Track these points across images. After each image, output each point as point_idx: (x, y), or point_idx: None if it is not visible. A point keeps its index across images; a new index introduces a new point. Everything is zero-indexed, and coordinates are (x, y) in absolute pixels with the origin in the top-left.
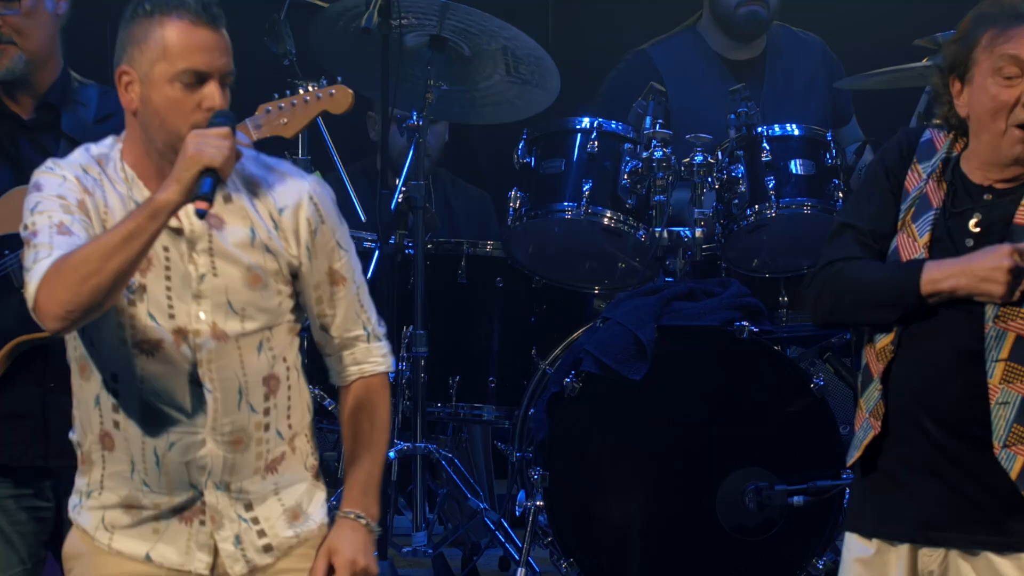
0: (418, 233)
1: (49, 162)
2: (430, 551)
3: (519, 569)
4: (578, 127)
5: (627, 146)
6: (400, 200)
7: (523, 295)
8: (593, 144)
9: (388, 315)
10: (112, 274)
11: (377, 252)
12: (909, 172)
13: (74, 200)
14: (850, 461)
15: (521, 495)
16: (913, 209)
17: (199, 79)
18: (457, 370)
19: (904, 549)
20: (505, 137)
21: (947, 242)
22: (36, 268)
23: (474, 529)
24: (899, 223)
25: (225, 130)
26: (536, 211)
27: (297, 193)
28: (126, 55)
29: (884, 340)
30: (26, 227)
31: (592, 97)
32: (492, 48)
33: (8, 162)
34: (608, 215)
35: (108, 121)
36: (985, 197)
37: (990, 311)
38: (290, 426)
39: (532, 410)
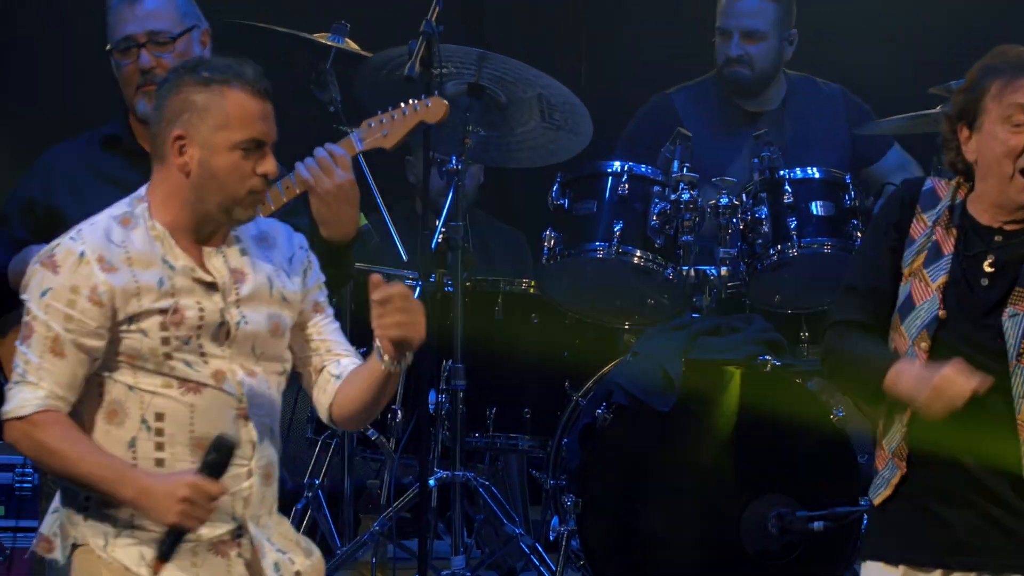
0: (457, 271)
1: (72, 232)
2: (468, 574)
3: None
4: (609, 171)
5: (656, 188)
6: (440, 240)
7: (557, 330)
8: (624, 187)
9: (428, 350)
10: (67, 478)
11: (418, 290)
12: (913, 222)
13: (85, 293)
14: (878, 499)
15: (555, 521)
16: (924, 255)
17: (257, 146)
18: (494, 402)
19: (936, 575)
20: (540, 179)
21: (963, 284)
22: (18, 399)
23: (510, 553)
24: (907, 271)
25: (213, 504)
26: (569, 250)
27: (293, 245)
28: (180, 120)
29: None
30: (27, 312)
31: (617, 138)
32: (527, 96)
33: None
34: (638, 254)
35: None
36: (996, 239)
37: (1012, 348)
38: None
39: (565, 440)
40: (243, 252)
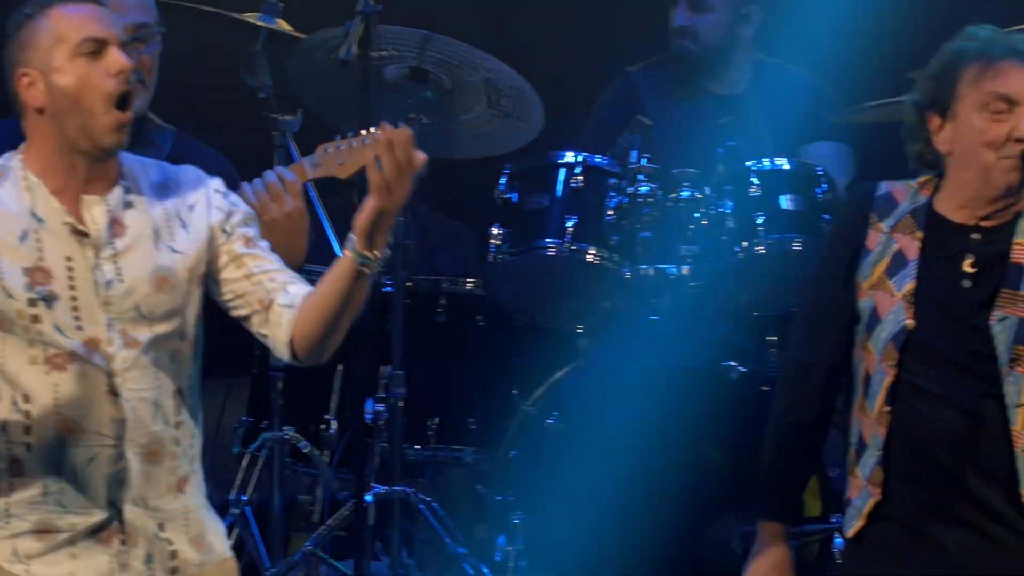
0: (396, 270)
1: None
2: None
3: None
4: (561, 161)
5: (612, 181)
6: None
7: (504, 334)
8: (577, 179)
9: (366, 355)
10: None
11: None
12: (869, 232)
13: None
14: (851, 532)
15: (501, 540)
16: (886, 263)
17: (99, 46)
18: (436, 411)
19: None
20: (486, 171)
21: (939, 288)
22: None
23: (453, 574)
24: (866, 283)
25: None
26: (518, 248)
27: (204, 188)
28: (20, 61)
29: (878, 403)
30: None
31: (582, 124)
32: (473, 80)
33: None
34: (592, 252)
35: (178, 164)
36: (973, 236)
37: (1003, 354)
38: (192, 445)
39: (513, 452)
40: (130, 202)
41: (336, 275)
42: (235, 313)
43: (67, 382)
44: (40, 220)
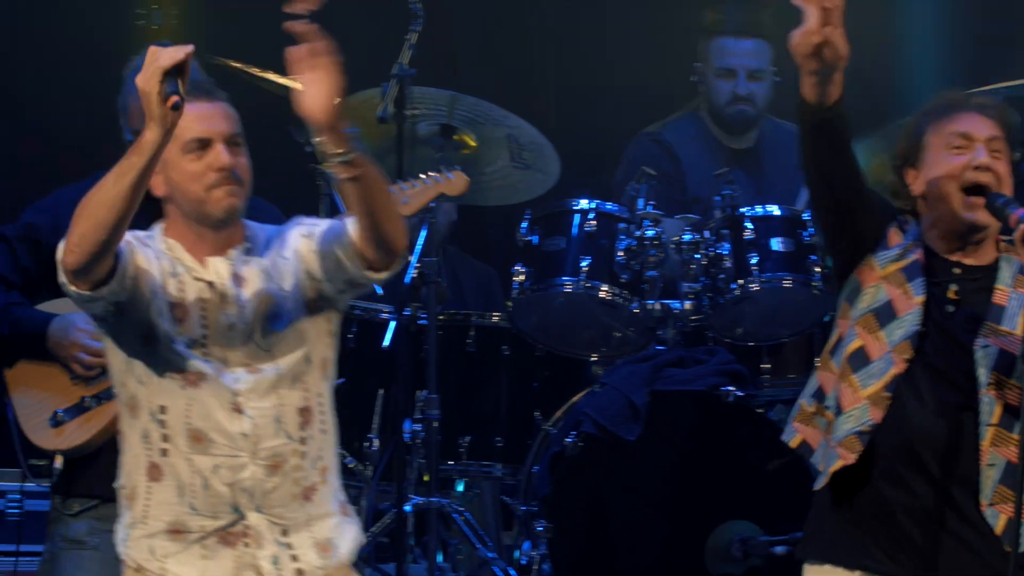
0: (430, 305)
1: None
2: None
3: None
4: (576, 208)
5: (622, 225)
6: (414, 275)
7: (527, 362)
8: (591, 223)
9: (404, 381)
10: (108, 206)
11: (393, 323)
12: (891, 230)
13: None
14: (819, 485)
15: (526, 545)
16: (903, 265)
17: (203, 145)
18: (467, 431)
19: None
20: (510, 216)
21: (933, 306)
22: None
23: None
24: (880, 272)
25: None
26: (539, 285)
27: (287, 231)
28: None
29: (877, 385)
30: None
31: (592, 173)
32: (497, 136)
33: None
34: (605, 288)
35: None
36: (954, 270)
37: (983, 377)
38: (321, 457)
39: (536, 467)
40: (248, 259)
41: (348, 198)
42: (338, 286)
43: (198, 398)
44: (180, 270)
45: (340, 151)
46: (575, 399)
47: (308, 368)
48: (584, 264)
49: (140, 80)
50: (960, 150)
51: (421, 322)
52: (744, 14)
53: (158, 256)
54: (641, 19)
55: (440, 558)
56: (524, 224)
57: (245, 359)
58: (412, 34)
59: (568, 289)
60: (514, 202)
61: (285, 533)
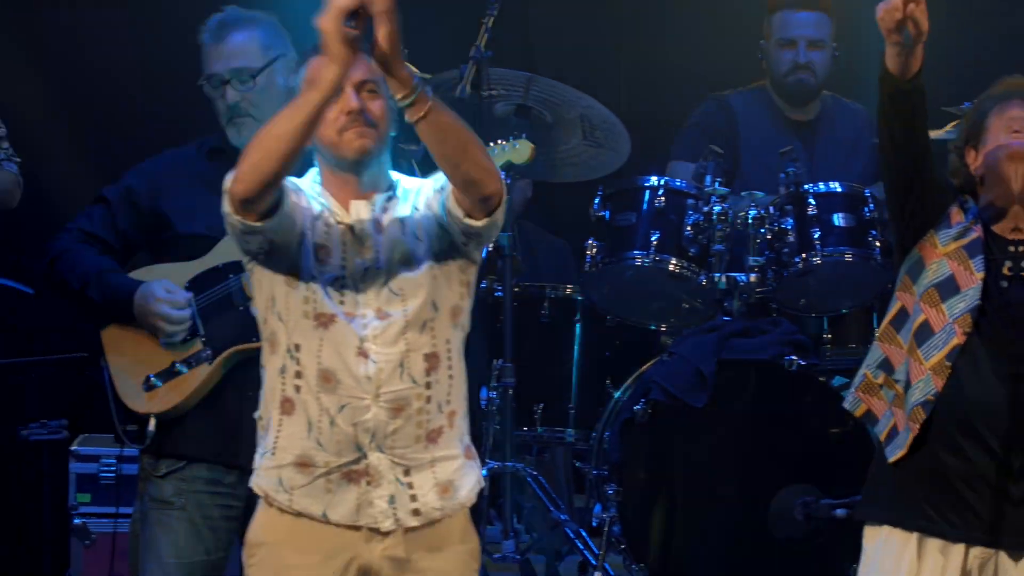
0: (506, 278)
1: None
2: (517, 557)
3: (596, 573)
4: (647, 185)
5: (690, 201)
6: (490, 249)
7: (599, 332)
8: (660, 200)
9: (481, 350)
10: (282, 139)
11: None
12: (954, 209)
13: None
14: (894, 458)
15: (597, 508)
16: (966, 243)
17: (338, 92)
18: (541, 398)
19: (956, 547)
20: (582, 193)
21: (991, 282)
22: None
23: (556, 538)
24: (942, 250)
25: None
26: (610, 258)
27: (421, 186)
28: None
29: (939, 355)
30: None
31: (662, 152)
32: (571, 116)
33: None
34: (673, 262)
35: None
36: (1009, 248)
37: None
38: (448, 402)
39: (607, 433)
40: (390, 205)
41: (420, 135)
42: (459, 236)
43: (328, 339)
44: (325, 213)
45: (405, 93)
46: (644, 368)
47: (436, 315)
48: (654, 238)
49: (321, 20)
50: (1019, 133)
51: (497, 294)
52: None
53: (309, 199)
54: (710, 1)
55: (515, 520)
56: (596, 200)
57: (377, 303)
58: (489, 17)
59: (638, 262)
60: (587, 179)
61: (407, 473)
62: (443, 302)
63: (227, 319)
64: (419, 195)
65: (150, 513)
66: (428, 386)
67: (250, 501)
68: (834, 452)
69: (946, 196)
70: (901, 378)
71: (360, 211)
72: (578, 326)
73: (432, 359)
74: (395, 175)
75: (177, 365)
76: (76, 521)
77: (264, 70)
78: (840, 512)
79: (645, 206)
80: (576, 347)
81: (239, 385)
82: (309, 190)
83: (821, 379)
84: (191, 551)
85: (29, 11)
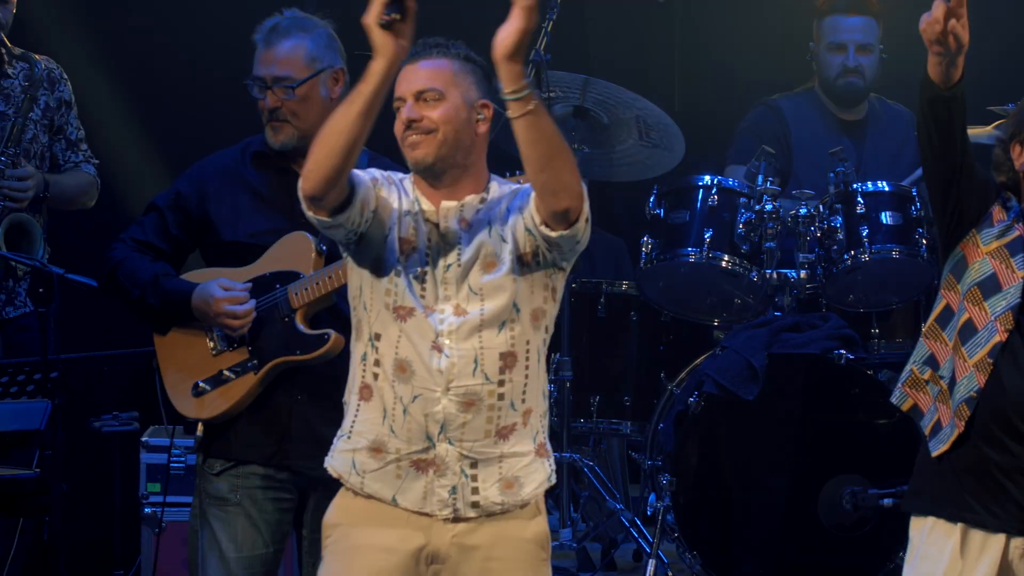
0: None
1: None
2: (574, 545)
3: (650, 560)
4: (700, 184)
5: (742, 200)
6: None
7: (653, 327)
8: (713, 198)
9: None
10: (339, 132)
11: None
12: (996, 207)
13: (380, 176)
14: (937, 452)
15: (652, 497)
16: (1008, 241)
17: (401, 104)
18: (597, 391)
19: (997, 537)
20: (638, 191)
21: None
22: None
23: (612, 526)
24: (984, 248)
25: None
26: (665, 255)
27: (516, 191)
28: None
29: (981, 352)
30: None
31: (716, 152)
32: (627, 117)
33: (285, 212)
34: (726, 259)
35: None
36: None
37: None
38: (524, 400)
39: (661, 425)
40: (479, 207)
41: (516, 132)
42: (542, 244)
43: (407, 331)
44: (415, 209)
45: (514, 88)
46: (698, 361)
47: (517, 316)
48: (707, 236)
49: (365, 16)
50: None
51: None
52: None
53: (402, 195)
54: (761, 5)
55: (572, 509)
56: (651, 198)
57: (456, 300)
58: (548, 21)
59: (692, 259)
60: (642, 178)
61: (473, 466)
62: (525, 304)
63: (273, 330)
64: (514, 198)
65: (208, 509)
66: (502, 383)
67: (303, 494)
68: (881, 443)
69: (989, 195)
70: (946, 374)
71: (448, 212)
72: (634, 321)
73: (509, 358)
74: (491, 176)
75: (225, 372)
76: (146, 510)
77: (306, 82)
78: (887, 501)
79: (699, 204)
80: (632, 341)
81: (287, 390)
82: (405, 185)
83: (869, 372)
84: (250, 545)
85: (105, 15)
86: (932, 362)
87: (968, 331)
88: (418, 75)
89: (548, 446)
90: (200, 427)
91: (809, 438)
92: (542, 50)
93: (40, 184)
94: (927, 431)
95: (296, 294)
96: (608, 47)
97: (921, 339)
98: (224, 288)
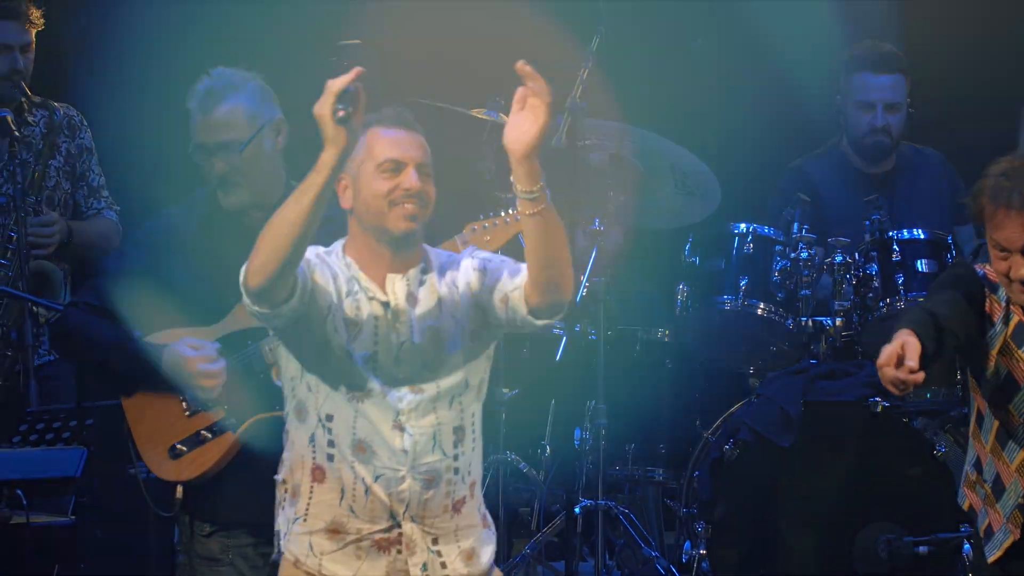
0: (599, 321)
1: None
2: None
3: None
4: (736, 231)
5: (777, 247)
6: (584, 294)
7: (689, 374)
8: (749, 246)
9: (574, 391)
10: (291, 224)
11: (564, 338)
12: (987, 300)
13: (315, 261)
14: (992, 558)
15: (687, 545)
16: (1010, 331)
17: (397, 168)
18: (633, 438)
19: None
20: (674, 239)
21: None
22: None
23: (647, 574)
24: (994, 350)
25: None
26: (700, 303)
27: (461, 261)
28: (343, 170)
29: (1021, 455)
30: None
31: (751, 199)
32: (663, 164)
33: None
34: (762, 306)
35: (324, 227)
36: None
37: None
38: (470, 472)
39: (696, 472)
40: (424, 280)
41: (528, 236)
42: (502, 323)
43: (364, 412)
44: (356, 288)
45: (531, 188)
46: (733, 409)
47: (466, 390)
48: (743, 283)
49: (316, 107)
50: (1003, 254)
51: (591, 337)
52: (882, 51)
53: (336, 273)
54: (794, 58)
55: (606, 556)
56: (687, 246)
57: (411, 378)
58: (583, 70)
59: (728, 307)
60: (678, 226)
61: (435, 542)
62: (474, 377)
63: (248, 386)
64: (457, 273)
65: (199, 569)
66: (456, 458)
67: None
68: (917, 491)
69: (973, 325)
70: (988, 478)
71: (395, 286)
72: (669, 368)
73: (459, 432)
74: (423, 247)
75: (203, 432)
76: (179, 558)
77: (251, 141)
78: (922, 549)
79: (734, 252)
80: (667, 389)
81: (267, 447)
82: (336, 264)
83: (904, 420)
84: None
85: (137, 51)
86: (978, 465)
87: (1003, 436)
88: (414, 145)
89: (489, 517)
90: (179, 489)
91: (844, 486)
92: (578, 97)
93: (64, 231)
94: (981, 532)
95: (269, 349)
96: (645, 96)
97: (970, 438)
98: (194, 348)
